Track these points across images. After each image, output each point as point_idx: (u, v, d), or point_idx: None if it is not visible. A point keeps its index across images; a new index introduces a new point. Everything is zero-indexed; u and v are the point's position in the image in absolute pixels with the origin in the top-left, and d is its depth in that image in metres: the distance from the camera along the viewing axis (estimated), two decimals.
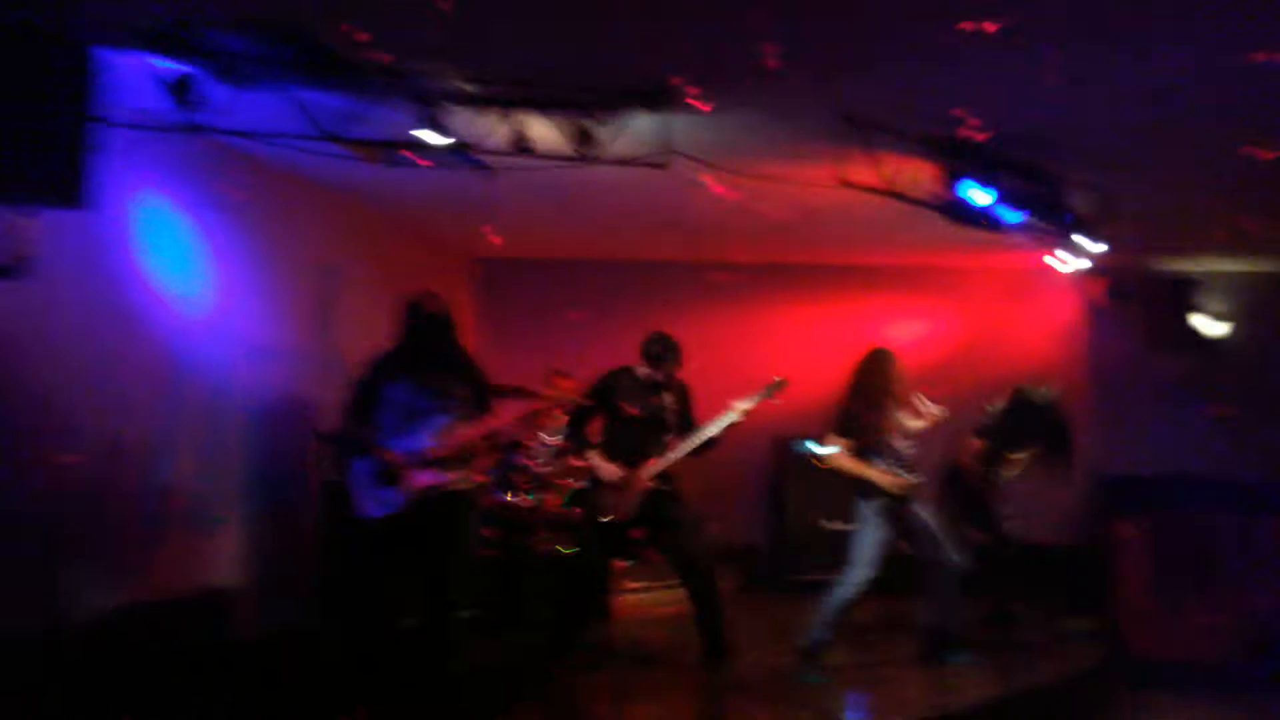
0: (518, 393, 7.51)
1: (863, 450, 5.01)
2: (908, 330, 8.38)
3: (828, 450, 5.09)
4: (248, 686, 4.54)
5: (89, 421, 4.32)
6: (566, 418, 6.61)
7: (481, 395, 4.33)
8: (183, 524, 5.00)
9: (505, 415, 4.31)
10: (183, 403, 4.95)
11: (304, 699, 4.32)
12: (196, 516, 5.09)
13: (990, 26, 3.35)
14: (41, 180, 3.12)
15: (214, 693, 4.36)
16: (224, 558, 5.29)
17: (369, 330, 6.28)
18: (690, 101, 4.05)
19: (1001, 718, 4.74)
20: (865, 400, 5.04)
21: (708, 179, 4.93)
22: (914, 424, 5.19)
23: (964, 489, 6.09)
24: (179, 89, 3.80)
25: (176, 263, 4.88)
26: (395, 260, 7.17)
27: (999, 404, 6.16)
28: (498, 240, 6.62)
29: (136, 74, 3.84)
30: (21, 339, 3.94)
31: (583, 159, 4.23)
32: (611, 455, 4.93)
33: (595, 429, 5.14)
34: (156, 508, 4.80)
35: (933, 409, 5.32)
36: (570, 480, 6.98)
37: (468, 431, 4.16)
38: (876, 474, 4.98)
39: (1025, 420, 6.02)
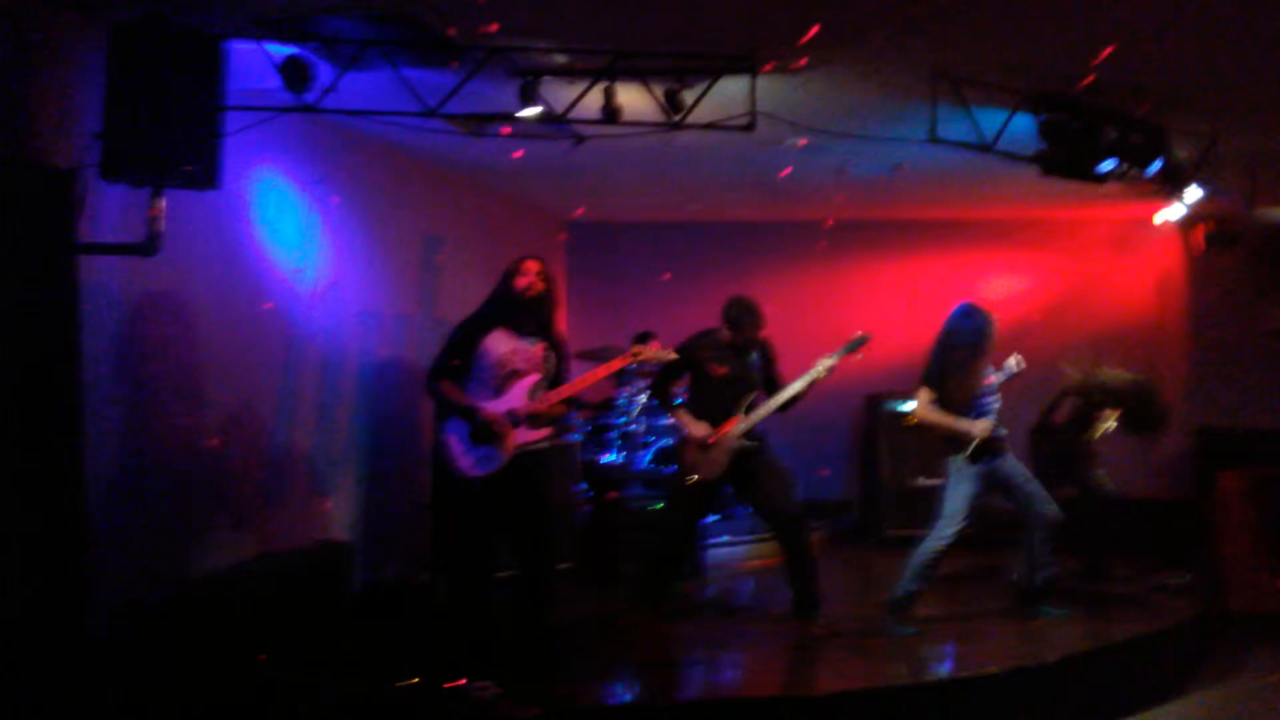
0: (605, 353, 7.72)
1: (950, 405, 5.03)
2: (1005, 284, 8.31)
3: (912, 404, 5.12)
4: (363, 635, 4.86)
5: (218, 388, 4.62)
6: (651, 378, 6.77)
7: (563, 361, 4.46)
8: (303, 482, 5.32)
9: (596, 375, 4.40)
10: (301, 369, 5.25)
11: (414, 649, 4.57)
12: (315, 475, 5.42)
13: None
14: (179, 164, 3.36)
15: (332, 640, 4.68)
16: (341, 515, 5.61)
17: (469, 293, 6.54)
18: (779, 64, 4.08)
19: (1095, 670, 4.76)
20: (955, 356, 5.03)
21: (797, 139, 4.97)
22: (997, 376, 5.18)
23: (1056, 444, 6.06)
24: (290, 71, 3.99)
25: (290, 235, 5.15)
26: (490, 226, 7.39)
27: (1079, 374, 6.04)
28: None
29: (248, 57, 4.05)
30: (156, 312, 4.23)
31: (672, 124, 4.30)
32: (699, 415, 5.03)
33: (683, 389, 5.25)
34: (279, 468, 5.12)
35: (1012, 364, 5.29)
36: (658, 438, 7.17)
37: (559, 392, 4.27)
38: (962, 424, 5.00)
39: (1105, 396, 5.94)
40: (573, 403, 4.41)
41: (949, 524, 5.04)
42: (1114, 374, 6.03)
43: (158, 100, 3.33)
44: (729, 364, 5.03)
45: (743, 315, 5.01)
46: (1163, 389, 6.08)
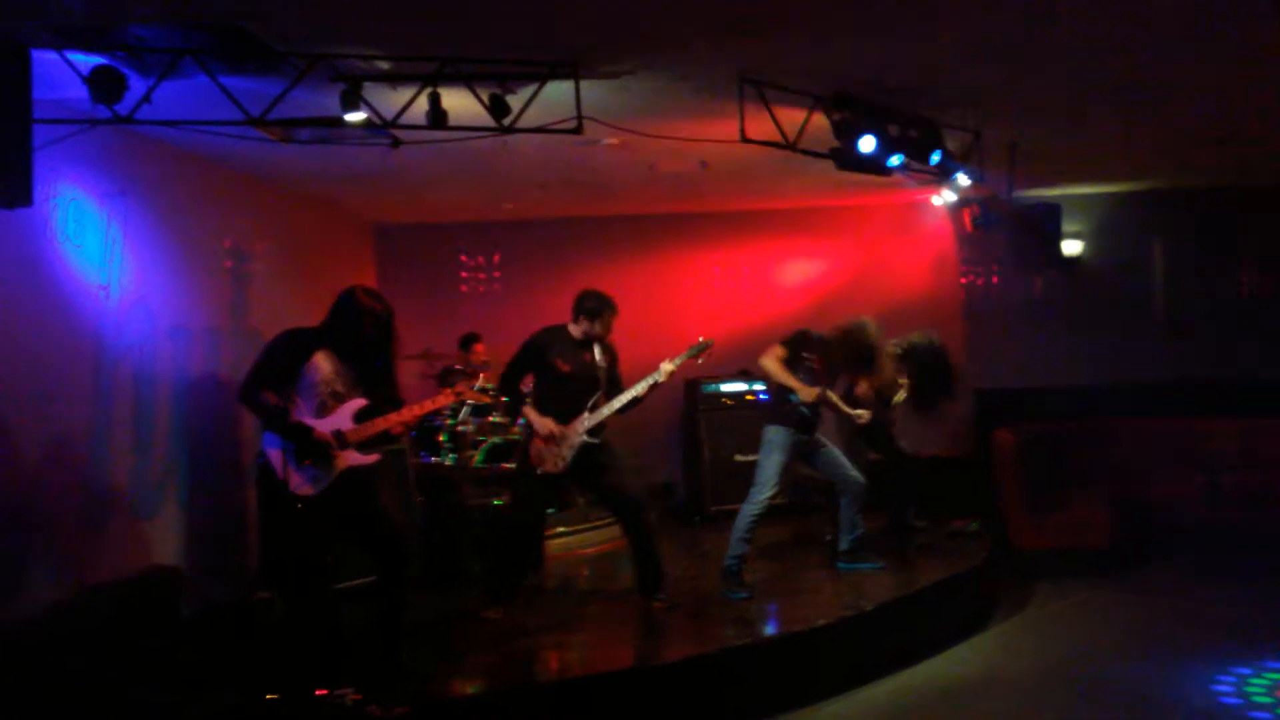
0: (427, 356, 7.67)
1: (792, 365, 5.47)
2: (804, 269, 8.90)
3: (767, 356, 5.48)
4: (207, 657, 4.71)
5: (26, 414, 4.36)
6: (484, 378, 6.82)
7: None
8: (123, 508, 5.07)
9: (418, 411, 4.32)
10: (113, 390, 4.99)
11: (262, 666, 4.48)
12: (135, 500, 5.17)
13: None
14: None
15: (175, 665, 4.51)
16: (165, 539, 5.37)
17: (280, 303, 6.38)
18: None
19: (906, 613, 5.27)
20: (839, 352, 5.52)
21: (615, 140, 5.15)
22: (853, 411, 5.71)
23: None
24: (100, 81, 3.81)
25: (94, 250, 4.88)
26: (298, 232, 7.21)
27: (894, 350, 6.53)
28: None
29: (47, 66, 3.84)
30: None
31: (502, 129, 4.39)
32: (544, 410, 5.12)
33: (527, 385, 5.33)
34: (97, 495, 4.86)
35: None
36: (489, 437, 7.22)
37: (386, 420, 4.18)
38: (795, 382, 5.41)
39: (916, 367, 6.48)
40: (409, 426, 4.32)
41: (762, 490, 5.46)
42: (908, 340, 6.59)
43: None
44: (573, 361, 5.13)
45: (602, 306, 5.11)
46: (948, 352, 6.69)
